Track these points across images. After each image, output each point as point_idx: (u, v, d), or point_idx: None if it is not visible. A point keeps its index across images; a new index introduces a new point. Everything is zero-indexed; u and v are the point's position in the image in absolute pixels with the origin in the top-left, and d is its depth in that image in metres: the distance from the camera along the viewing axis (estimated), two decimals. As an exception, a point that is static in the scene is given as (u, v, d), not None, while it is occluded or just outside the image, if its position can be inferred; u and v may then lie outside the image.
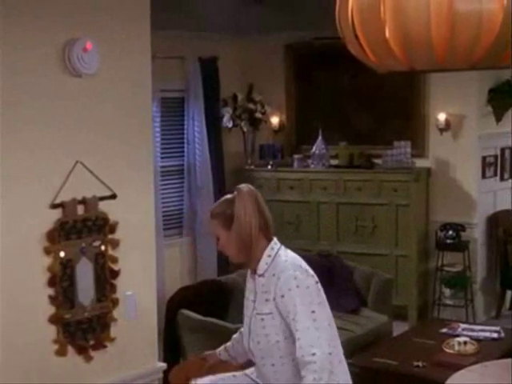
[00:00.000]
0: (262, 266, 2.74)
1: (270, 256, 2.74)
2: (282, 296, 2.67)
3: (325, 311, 2.72)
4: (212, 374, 2.94)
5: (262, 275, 2.74)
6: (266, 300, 2.72)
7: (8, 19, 2.93)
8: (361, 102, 7.30)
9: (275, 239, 2.80)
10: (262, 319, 2.74)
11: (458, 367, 4.31)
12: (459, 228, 6.70)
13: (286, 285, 2.68)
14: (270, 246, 2.76)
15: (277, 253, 2.76)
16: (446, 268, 6.79)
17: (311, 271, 2.76)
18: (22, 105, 3.03)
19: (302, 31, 7.15)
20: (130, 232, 3.72)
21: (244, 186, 2.79)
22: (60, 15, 3.12)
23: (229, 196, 2.78)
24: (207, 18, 6.46)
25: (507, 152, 7.10)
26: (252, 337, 2.80)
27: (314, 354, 2.60)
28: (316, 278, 2.74)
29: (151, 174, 3.82)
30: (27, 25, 3.01)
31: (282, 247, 2.80)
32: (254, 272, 2.77)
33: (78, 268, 3.20)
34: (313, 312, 2.65)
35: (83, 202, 3.22)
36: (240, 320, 5.07)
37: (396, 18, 2.21)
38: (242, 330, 2.97)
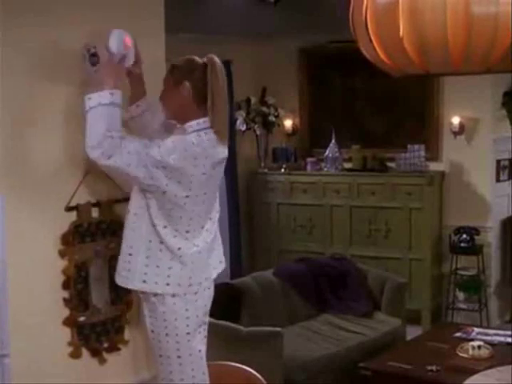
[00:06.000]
0: None
1: None
2: None
3: None
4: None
5: None
6: None
7: (16, 23, 2.95)
8: (374, 106, 7.30)
9: None
10: None
11: (472, 371, 4.30)
12: (473, 232, 6.68)
13: None
14: None
15: None
16: (460, 272, 6.77)
17: None
18: (37, 106, 3.04)
19: (315, 34, 7.14)
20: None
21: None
22: (73, 21, 3.13)
23: None
24: (221, 21, 6.45)
25: (522, 155, 7.08)
26: None
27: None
28: None
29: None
30: (41, 29, 3.02)
31: None
32: None
33: (93, 271, 3.20)
34: None
35: (98, 204, 3.23)
36: (252, 323, 5.11)
37: (412, 20, 2.20)
38: None
